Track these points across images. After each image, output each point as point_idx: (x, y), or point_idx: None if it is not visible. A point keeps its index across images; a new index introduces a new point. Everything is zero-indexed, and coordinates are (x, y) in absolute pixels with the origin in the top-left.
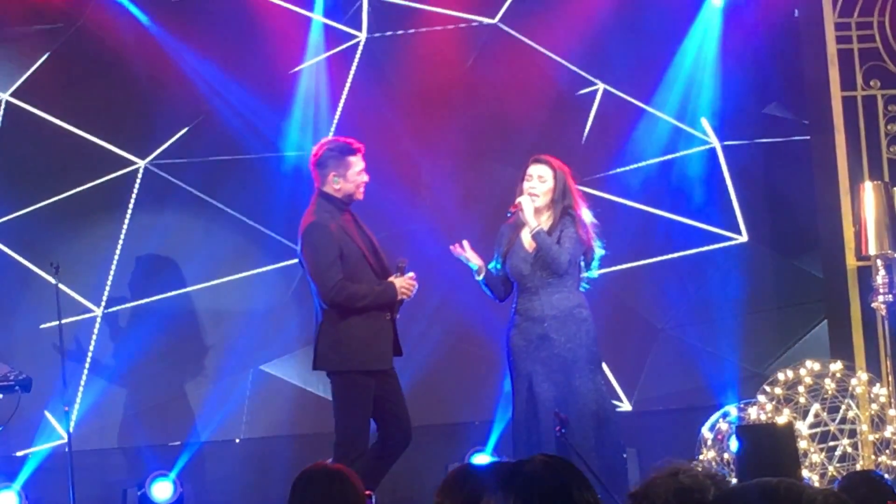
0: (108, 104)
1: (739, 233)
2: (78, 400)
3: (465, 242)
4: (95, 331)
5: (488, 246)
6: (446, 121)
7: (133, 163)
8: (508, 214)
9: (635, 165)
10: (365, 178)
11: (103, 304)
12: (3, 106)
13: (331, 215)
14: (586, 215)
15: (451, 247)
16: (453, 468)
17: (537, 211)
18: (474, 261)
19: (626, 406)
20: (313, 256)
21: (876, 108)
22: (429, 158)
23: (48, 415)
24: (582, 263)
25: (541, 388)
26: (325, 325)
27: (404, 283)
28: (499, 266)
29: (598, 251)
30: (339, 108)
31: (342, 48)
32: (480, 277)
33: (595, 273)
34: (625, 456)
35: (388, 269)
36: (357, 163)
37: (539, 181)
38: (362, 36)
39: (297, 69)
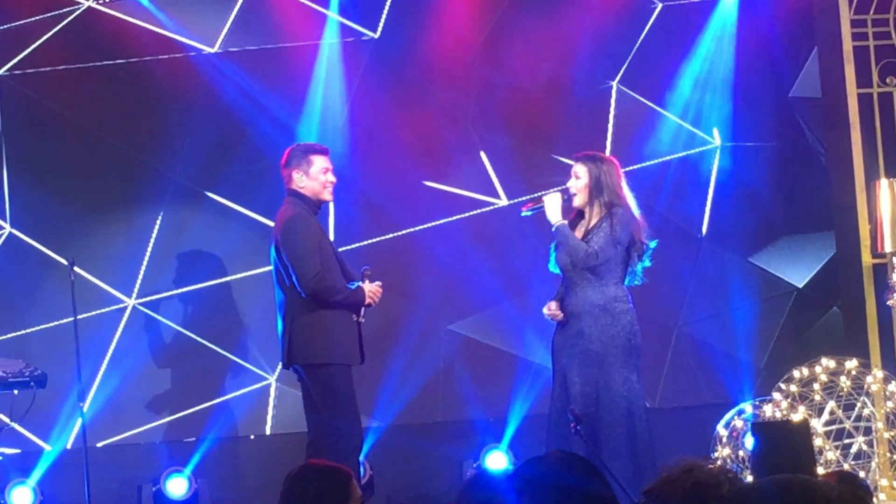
0: (120, 98)
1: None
2: (93, 395)
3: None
4: (120, 326)
5: (504, 241)
6: (457, 116)
7: (157, 171)
8: (522, 213)
9: (640, 165)
10: (331, 178)
11: (133, 296)
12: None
13: (306, 213)
14: (634, 210)
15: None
16: (469, 475)
17: (583, 207)
18: (559, 314)
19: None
20: (295, 245)
21: (892, 105)
22: (440, 155)
23: (63, 410)
24: (635, 256)
25: (573, 383)
26: (297, 319)
27: (373, 288)
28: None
29: (650, 243)
30: (348, 105)
31: (355, 41)
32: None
33: (648, 262)
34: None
35: (353, 276)
36: (319, 161)
37: (575, 178)
38: (375, 35)
39: (309, 43)
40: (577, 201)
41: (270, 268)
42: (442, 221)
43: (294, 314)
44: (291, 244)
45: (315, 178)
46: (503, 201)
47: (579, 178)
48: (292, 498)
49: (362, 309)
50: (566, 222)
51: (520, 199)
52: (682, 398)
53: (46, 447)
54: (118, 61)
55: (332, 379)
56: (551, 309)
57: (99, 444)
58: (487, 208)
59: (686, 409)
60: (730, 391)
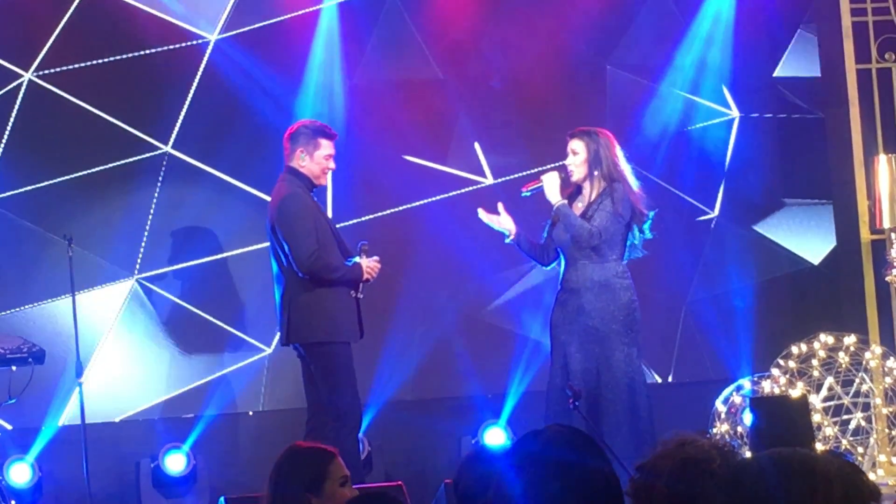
0: (118, 74)
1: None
2: (92, 372)
3: (499, 205)
4: (119, 303)
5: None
6: (464, 89)
7: (154, 146)
8: (522, 194)
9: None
10: (332, 164)
11: (134, 273)
12: (25, 84)
13: (302, 191)
14: (632, 182)
15: (479, 210)
16: (468, 452)
17: (581, 183)
18: (506, 226)
19: (657, 379)
20: (291, 224)
21: (891, 81)
22: (446, 129)
23: (62, 387)
24: (636, 228)
25: (573, 360)
26: (296, 297)
27: (370, 263)
28: (545, 235)
29: (649, 214)
30: (345, 78)
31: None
32: (509, 240)
33: (648, 234)
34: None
35: (350, 252)
36: (326, 147)
37: (573, 155)
38: None
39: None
40: (576, 176)
41: (268, 244)
42: (438, 198)
43: (292, 293)
44: (287, 223)
45: (318, 161)
46: (488, 180)
47: (577, 153)
48: (274, 479)
49: (360, 285)
50: (566, 201)
51: (506, 178)
52: (694, 373)
53: (45, 424)
54: (128, 55)
55: (333, 357)
56: (486, 215)
57: (97, 421)
58: (480, 185)
59: (686, 385)
60: (729, 367)
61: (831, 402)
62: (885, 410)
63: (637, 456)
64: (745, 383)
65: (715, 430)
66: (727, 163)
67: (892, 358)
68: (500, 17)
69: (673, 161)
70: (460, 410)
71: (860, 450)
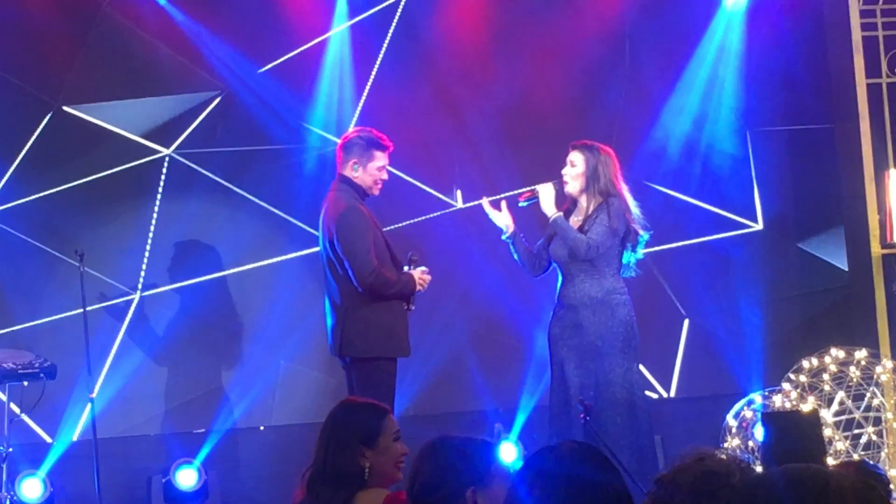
0: (132, 92)
1: (756, 220)
2: (102, 387)
3: (502, 202)
4: (126, 317)
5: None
6: (477, 102)
7: (157, 152)
8: (519, 204)
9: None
10: (384, 175)
11: (138, 289)
12: (52, 111)
13: (358, 202)
14: (629, 201)
15: (484, 199)
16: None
17: (576, 196)
18: (504, 222)
19: (663, 393)
20: (351, 240)
21: None
22: (457, 143)
23: (73, 402)
24: (629, 247)
25: (572, 375)
26: (350, 312)
27: (420, 275)
28: (539, 244)
29: (643, 234)
30: (369, 84)
31: (371, 13)
32: (505, 237)
33: (641, 254)
34: (655, 441)
35: (399, 262)
36: (381, 158)
37: (570, 166)
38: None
39: (318, 38)
40: (569, 188)
41: (279, 259)
42: (443, 212)
43: (349, 306)
44: (347, 239)
45: (371, 173)
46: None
47: (575, 165)
48: (327, 431)
49: (411, 297)
50: (562, 214)
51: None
52: (705, 388)
53: (56, 439)
54: (148, 97)
55: (379, 373)
56: (489, 206)
57: (109, 436)
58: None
59: (696, 400)
60: (739, 381)
61: (842, 417)
62: (895, 425)
63: (639, 471)
64: (756, 398)
65: (726, 445)
66: (753, 174)
67: None
68: (507, 41)
69: (690, 175)
70: (470, 425)
71: None
